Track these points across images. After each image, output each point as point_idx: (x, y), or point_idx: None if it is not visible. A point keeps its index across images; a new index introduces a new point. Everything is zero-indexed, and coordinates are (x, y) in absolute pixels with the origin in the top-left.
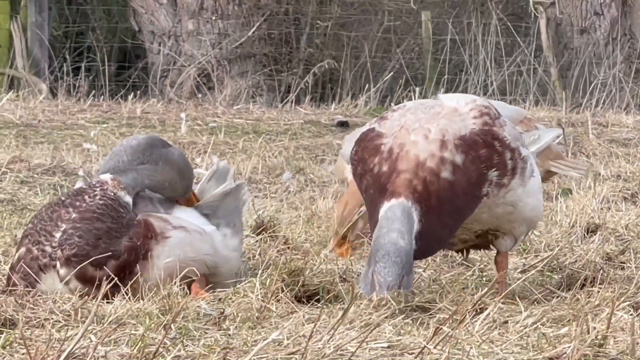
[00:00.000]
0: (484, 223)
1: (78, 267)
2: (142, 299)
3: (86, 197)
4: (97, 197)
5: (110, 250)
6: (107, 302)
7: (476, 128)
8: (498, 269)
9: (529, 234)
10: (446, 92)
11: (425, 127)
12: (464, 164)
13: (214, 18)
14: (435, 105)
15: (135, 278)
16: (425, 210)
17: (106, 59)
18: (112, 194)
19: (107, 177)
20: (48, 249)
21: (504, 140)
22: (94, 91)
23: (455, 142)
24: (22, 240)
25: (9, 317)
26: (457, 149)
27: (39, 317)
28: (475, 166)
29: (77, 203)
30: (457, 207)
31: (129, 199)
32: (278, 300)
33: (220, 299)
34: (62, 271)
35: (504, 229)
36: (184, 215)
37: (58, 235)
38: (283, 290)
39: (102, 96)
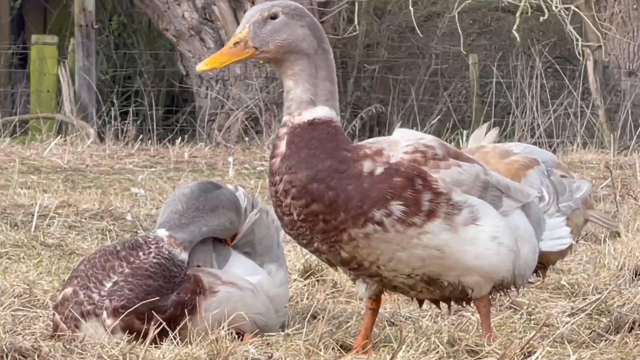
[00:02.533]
0: (411, 265)
1: (123, 319)
2: (190, 344)
3: (141, 253)
4: (152, 255)
5: (158, 305)
6: (155, 347)
7: (404, 162)
8: (367, 320)
9: (505, 286)
10: None
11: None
12: (379, 176)
13: (261, 62)
14: (388, 137)
15: (183, 324)
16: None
17: (154, 103)
18: (167, 252)
19: (163, 233)
20: (95, 296)
21: (429, 181)
22: (141, 135)
23: (384, 159)
24: (71, 280)
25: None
26: (384, 164)
27: None
28: (382, 185)
29: (132, 259)
30: (344, 187)
31: (184, 256)
32: (326, 346)
33: (268, 343)
34: (109, 321)
35: (449, 276)
36: (238, 266)
37: (108, 285)
38: (331, 335)
39: (150, 140)
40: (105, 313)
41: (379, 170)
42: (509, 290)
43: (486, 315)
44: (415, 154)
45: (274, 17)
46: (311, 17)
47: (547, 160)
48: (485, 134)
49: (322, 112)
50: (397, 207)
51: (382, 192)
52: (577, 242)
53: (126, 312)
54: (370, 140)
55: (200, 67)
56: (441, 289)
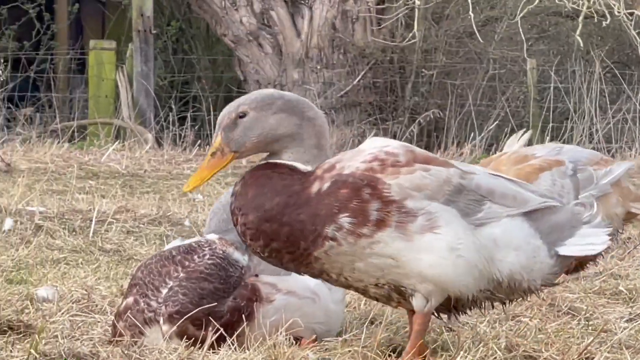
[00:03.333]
0: (372, 274)
1: (178, 325)
2: (248, 349)
3: (196, 256)
4: (207, 257)
5: (214, 310)
6: (213, 353)
7: (356, 172)
8: (410, 328)
9: (462, 296)
10: (551, 140)
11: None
12: (324, 193)
13: (319, 67)
14: (356, 148)
15: (240, 329)
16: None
17: (212, 108)
18: (221, 251)
19: (213, 237)
20: (154, 303)
21: (379, 189)
22: (199, 140)
23: (335, 172)
24: (131, 288)
25: None
26: (331, 179)
27: None
28: (329, 200)
29: (186, 262)
30: (295, 219)
31: (238, 255)
32: (383, 352)
33: (326, 349)
34: (165, 327)
35: (406, 284)
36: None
37: (164, 291)
38: (388, 341)
39: (208, 145)
40: (161, 319)
41: (326, 185)
42: (512, 298)
43: (418, 333)
44: (372, 162)
45: (242, 116)
46: (284, 99)
47: (580, 159)
48: (519, 139)
49: (290, 161)
50: (345, 220)
51: (330, 207)
52: (620, 232)
53: (182, 319)
54: (339, 155)
55: (185, 189)
56: (404, 300)
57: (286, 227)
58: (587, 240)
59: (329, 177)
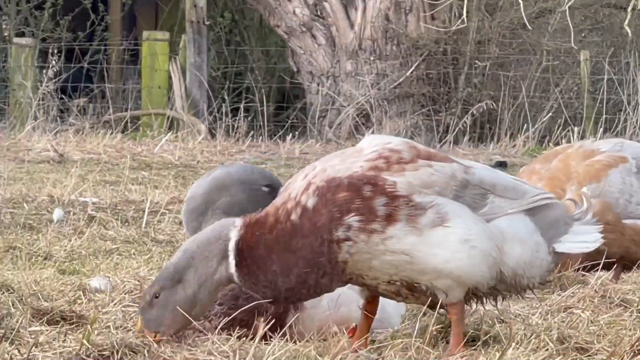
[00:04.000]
0: (386, 272)
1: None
2: (300, 341)
3: None
4: None
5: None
6: (265, 344)
7: (359, 172)
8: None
9: (480, 285)
10: (604, 132)
11: (319, 167)
12: (315, 207)
13: (372, 58)
14: (351, 148)
15: (291, 322)
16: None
17: (265, 100)
18: None
19: None
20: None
21: (380, 185)
22: (252, 132)
23: (319, 184)
24: None
25: (168, 357)
26: (315, 192)
27: (197, 358)
28: (326, 209)
29: None
30: (294, 248)
31: None
32: (435, 344)
33: (378, 341)
34: (215, 321)
35: (421, 280)
36: None
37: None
38: (441, 332)
39: (261, 137)
40: (209, 335)
41: (311, 202)
42: (510, 294)
43: (457, 322)
44: (377, 161)
45: (157, 296)
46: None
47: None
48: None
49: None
50: (352, 219)
51: (329, 215)
52: None
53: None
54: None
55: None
56: (422, 295)
57: (297, 277)
58: (581, 238)
59: (309, 193)
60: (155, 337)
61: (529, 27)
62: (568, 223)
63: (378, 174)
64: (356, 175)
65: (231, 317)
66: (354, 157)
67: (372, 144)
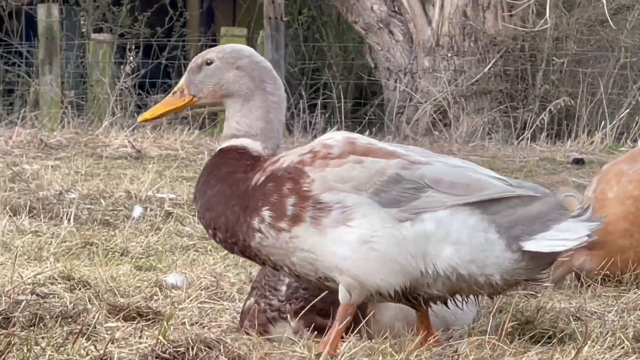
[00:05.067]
0: (307, 268)
1: (306, 319)
2: (375, 337)
3: None
4: None
5: (337, 299)
6: (342, 340)
7: (290, 165)
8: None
9: (382, 290)
10: None
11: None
12: (259, 184)
13: (449, 55)
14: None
15: (367, 318)
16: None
17: (342, 96)
18: None
19: None
20: (275, 302)
21: (300, 184)
22: (329, 128)
23: (276, 166)
24: (252, 291)
25: (243, 354)
26: (267, 173)
27: (274, 355)
28: (260, 192)
29: None
30: (229, 202)
31: None
32: (511, 341)
33: (452, 337)
34: (294, 324)
35: (333, 277)
36: None
37: (283, 289)
38: (517, 330)
39: None
40: (289, 316)
41: (261, 179)
42: (469, 293)
43: (338, 323)
44: (305, 155)
45: (209, 63)
46: (250, 58)
47: None
48: None
49: (240, 141)
50: (266, 213)
51: (256, 200)
52: None
53: (308, 315)
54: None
55: (140, 119)
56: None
57: (222, 217)
58: (563, 235)
59: (268, 170)
60: (190, 100)
61: (610, 24)
62: (555, 220)
63: (302, 168)
64: (283, 167)
65: (311, 303)
66: (299, 150)
67: (319, 138)
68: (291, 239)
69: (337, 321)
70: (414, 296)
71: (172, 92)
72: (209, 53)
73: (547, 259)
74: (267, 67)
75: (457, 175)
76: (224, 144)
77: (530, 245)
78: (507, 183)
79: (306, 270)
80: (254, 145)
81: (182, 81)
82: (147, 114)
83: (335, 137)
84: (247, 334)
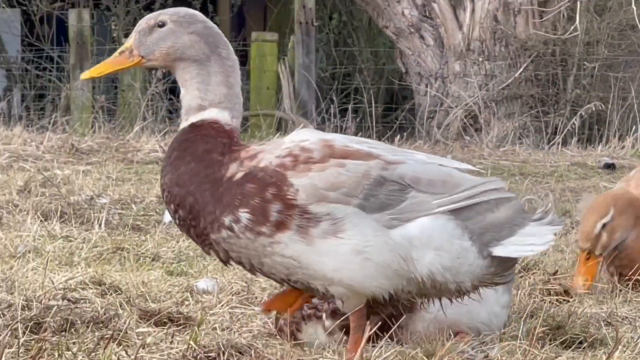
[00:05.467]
0: (279, 271)
1: (341, 319)
2: (407, 343)
3: None
4: None
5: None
6: (372, 346)
7: (269, 166)
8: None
9: (377, 297)
10: None
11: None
12: (236, 179)
13: (480, 59)
14: (282, 138)
15: (399, 322)
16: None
17: (373, 100)
18: None
19: None
20: (315, 300)
21: (284, 191)
22: (360, 133)
23: (253, 163)
24: None
25: (278, 359)
26: (246, 170)
27: None
28: (237, 191)
29: None
30: (202, 188)
31: None
32: (542, 346)
33: (483, 342)
34: (327, 322)
35: (316, 285)
36: None
37: None
38: (547, 335)
39: (369, 137)
40: (324, 315)
41: (239, 175)
42: (438, 297)
43: (355, 329)
44: (285, 158)
45: (161, 25)
46: (204, 23)
47: None
48: None
49: (210, 114)
50: (244, 215)
51: (233, 197)
52: None
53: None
54: (266, 144)
55: (82, 76)
56: (325, 297)
57: (191, 196)
58: (529, 241)
59: (247, 166)
60: (139, 61)
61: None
62: (519, 224)
63: (284, 173)
64: (262, 167)
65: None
66: (274, 149)
67: (293, 138)
68: (272, 244)
69: (352, 327)
70: (394, 301)
71: (118, 52)
72: (162, 15)
73: (512, 263)
74: (219, 33)
75: (433, 173)
76: (194, 118)
77: (500, 251)
78: (479, 180)
79: (276, 272)
80: (224, 117)
81: (131, 41)
82: (92, 71)
83: (311, 139)
84: (280, 332)
